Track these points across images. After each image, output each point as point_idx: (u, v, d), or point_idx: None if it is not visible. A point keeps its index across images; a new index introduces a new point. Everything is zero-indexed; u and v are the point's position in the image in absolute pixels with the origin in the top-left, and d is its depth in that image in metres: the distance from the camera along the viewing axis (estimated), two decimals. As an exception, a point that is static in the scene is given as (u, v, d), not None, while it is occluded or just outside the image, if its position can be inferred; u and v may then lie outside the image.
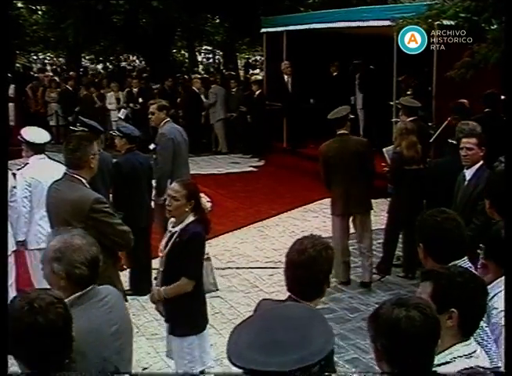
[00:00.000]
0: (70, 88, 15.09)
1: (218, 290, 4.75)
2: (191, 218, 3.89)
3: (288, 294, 2.65)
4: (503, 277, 2.82)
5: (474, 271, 2.82)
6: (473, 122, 5.80)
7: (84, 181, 4.01)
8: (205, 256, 4.41)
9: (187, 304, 3.89)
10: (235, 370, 1.68)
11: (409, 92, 9.64)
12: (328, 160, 6.21)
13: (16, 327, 1.99)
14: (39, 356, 2.02)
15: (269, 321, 1.85)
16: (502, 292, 2.75)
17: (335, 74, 12.38)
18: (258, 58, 26.71)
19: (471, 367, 2.03)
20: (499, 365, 2.46)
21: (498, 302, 2.74)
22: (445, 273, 2.39)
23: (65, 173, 4.07)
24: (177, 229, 3.88)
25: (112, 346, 2.53)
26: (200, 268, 3.96)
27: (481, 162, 4.95)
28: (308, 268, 2.55)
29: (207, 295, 4.31)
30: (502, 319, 2.66)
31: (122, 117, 13.87)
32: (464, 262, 2.84)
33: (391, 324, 1.93)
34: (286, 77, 12.37)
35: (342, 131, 6.14)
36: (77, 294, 2.52)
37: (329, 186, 6.36)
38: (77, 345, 2.18)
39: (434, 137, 7.57)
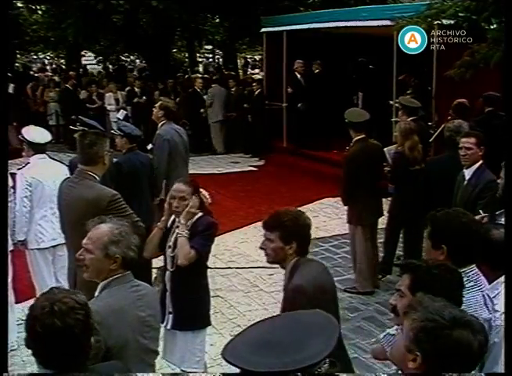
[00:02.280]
0: (71, 88, 15.09)
1: None
2: (199, 214, 3.91)
3: None
4: (500, 279, 2.82)
5: (482, 277, 2.81)
6: (459, 120, 5.82)
7: (97, 178, 4.03)
8: None
9: (198, 296, 3.90)
10: (234, 369, 1.69)
11: (408, 92, 9.64)
12: (359, 167, 5.96)
13: (34, 325, 2.03)
14: (54, 357, 2.06)
15: (277, 323, 1.87)
16: (501, 294, 2.75)
17: (317, 71, 12.32)
18: (257, 58, 26.72)
19: None
20: None
21: (499, 305, 2.74)
22: (422, 266, 2.46)
23: (78, 170, 4.09)
24: (188, 223, 3.85)
25: (139, 330, 2.68)
26: (207, 249, 3.88)
27: (481, 162, 4.95)
28: None
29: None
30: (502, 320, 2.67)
31: (121, 118, 13.87)
32: (471, 270, 2.80)
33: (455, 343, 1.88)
34: (298, 76, 12.32)
35: (363, 136, 6.03)
36: (114, 276, 2.72)
37: (352, 194, 6.07)
38: (101, 319, 2.37)
39: (433, 137, 7.58)
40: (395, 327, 2.50)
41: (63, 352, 2.03)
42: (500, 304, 2.72)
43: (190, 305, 3.89)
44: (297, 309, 2.69)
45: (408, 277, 2.43)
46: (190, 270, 3.82)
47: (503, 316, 2.67)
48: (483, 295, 2.74)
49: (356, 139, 6.03)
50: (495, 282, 2.85)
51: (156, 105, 6.64)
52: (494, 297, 2.78)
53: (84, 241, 2.79)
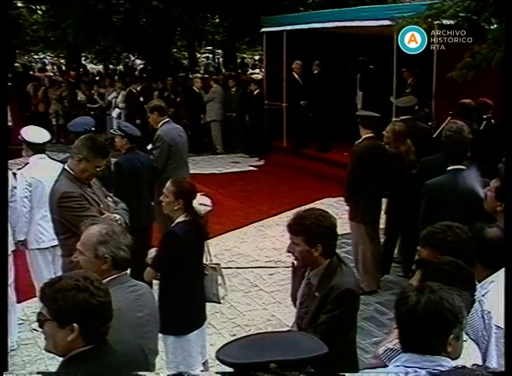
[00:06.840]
0: (74, 89, 15.13)
1: (220, 303, 4.72)
2: (181, 219, 3.88)
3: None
4: (488, 278, 2.83)
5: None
6: (461, 123, 5.83)
7: (72, 174, 4.04)
8: (211, 265, 4.42)
9: (168, 303, 3.90)
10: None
11: (407, 91, 9.66)
12: (367, 164, 6.01)
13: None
14: (86, 327, 2.08)
15: (270, 335, 1.95)
16: (489, 293, 2.75)
17: (316, 72, 12.20)
18: (257, 58, 26.73)
19: (463, 366, 2.04)
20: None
21: (486, 305, 2.73)
22: (433, 261, 2.52)
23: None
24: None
25: (137, 331, 2.68)
26: (166, 263, 3.90)
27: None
28: None
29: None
30: (492, 320, 2.66)
31: (115, 116, 13.94)
32: None
33: (400, 305, 2.07)
34: (296, 76, 12.31)
35: (372, 135, 6.09)
36: (112, 276, 2.69)
37: (356, 191, 6.09)
38: None
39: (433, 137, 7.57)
40: (395, 341, 2.50)
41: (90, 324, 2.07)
42: (488, 303, 2.72)
43: (162, 308, 3.91)
44: (345, 311, 2.93)
45: (419, 273, 2.52)
46: (166, 278, 3.96)
47: (490, 315, 2.67)
48: (479, 301, 2.74)
49: (365, 136, 6.09)
50: (483, 282, 2.86)
51: (148, 111, 6.65)
52: (482, 296, 2.79)
53: (78, 244, 2.80)
